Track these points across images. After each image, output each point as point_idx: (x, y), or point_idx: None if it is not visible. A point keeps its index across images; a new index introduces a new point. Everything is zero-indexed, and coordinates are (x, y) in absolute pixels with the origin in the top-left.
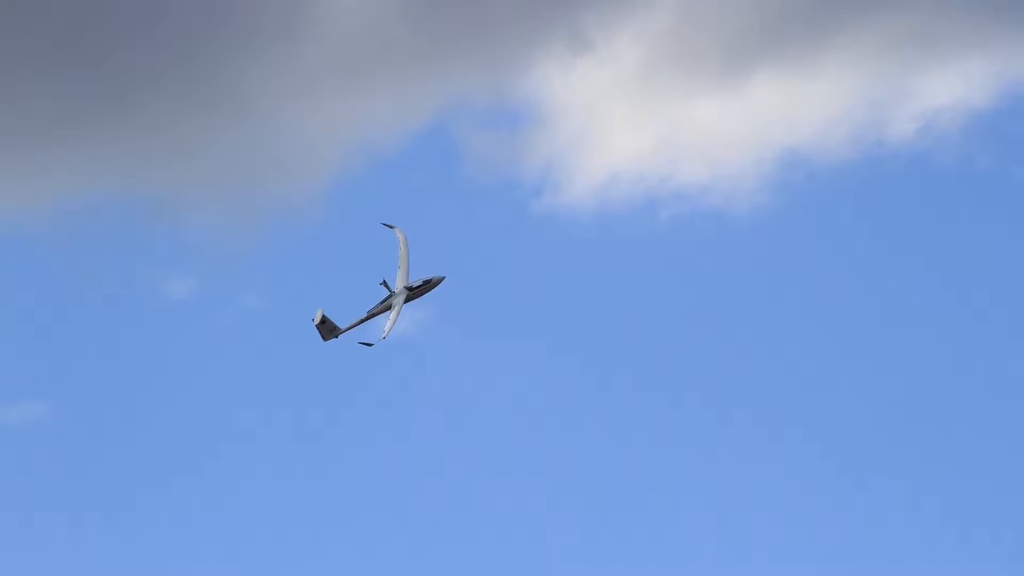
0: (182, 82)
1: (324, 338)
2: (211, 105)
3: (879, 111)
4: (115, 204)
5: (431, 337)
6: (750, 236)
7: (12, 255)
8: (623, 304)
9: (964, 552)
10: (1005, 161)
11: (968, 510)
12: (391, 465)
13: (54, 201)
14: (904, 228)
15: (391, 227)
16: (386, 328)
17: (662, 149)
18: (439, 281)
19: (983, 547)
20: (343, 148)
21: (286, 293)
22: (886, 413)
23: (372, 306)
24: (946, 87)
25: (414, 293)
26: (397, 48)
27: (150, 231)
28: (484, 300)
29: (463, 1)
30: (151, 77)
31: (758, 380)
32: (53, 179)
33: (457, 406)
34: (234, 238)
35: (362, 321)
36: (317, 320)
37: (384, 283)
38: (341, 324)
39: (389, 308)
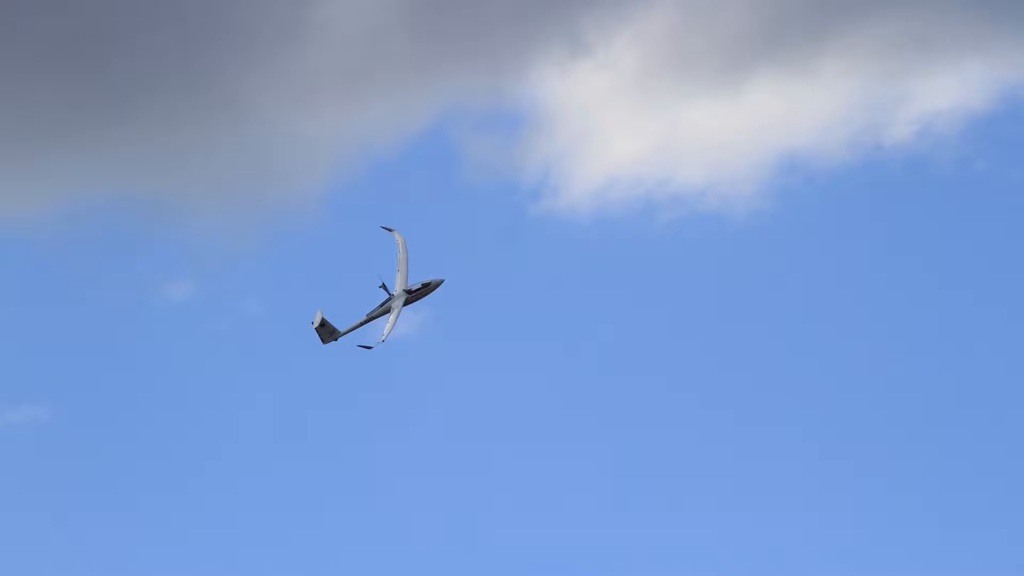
0: (182, 86)
1: (324, 341)
2: (211, 109)
3: (877, 114)
4: (115, 207)
5: (430, 339)
6: (748, 239)
7: (12, 257)
8: (621, 306)
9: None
10: (1003, 164)
11: (969, 511)
12: (390, 467)
13: (54, 204)
14: (902, 231)
15: (390, 230)
16: (385, 331)
17: (660, 152)
18: (438, 284)
19: (981, 547)
20: (342, 152)
21: (286, 296)
22: (884, 415)
23: (371, 309)
24: (944, 91)
25: (413, 296)
26: (395, 53)
27: (150, 234)
28: (482, 303)
29: (461, 5)
30: (152, 81)
31: (756, 383)
32: (53, 183)
33: (456, 408)
34: (234, 241)
35: (361, 324)
36: (316, 323)
37: (383, 286)
38: (340, 327)
39: (388, 311)
